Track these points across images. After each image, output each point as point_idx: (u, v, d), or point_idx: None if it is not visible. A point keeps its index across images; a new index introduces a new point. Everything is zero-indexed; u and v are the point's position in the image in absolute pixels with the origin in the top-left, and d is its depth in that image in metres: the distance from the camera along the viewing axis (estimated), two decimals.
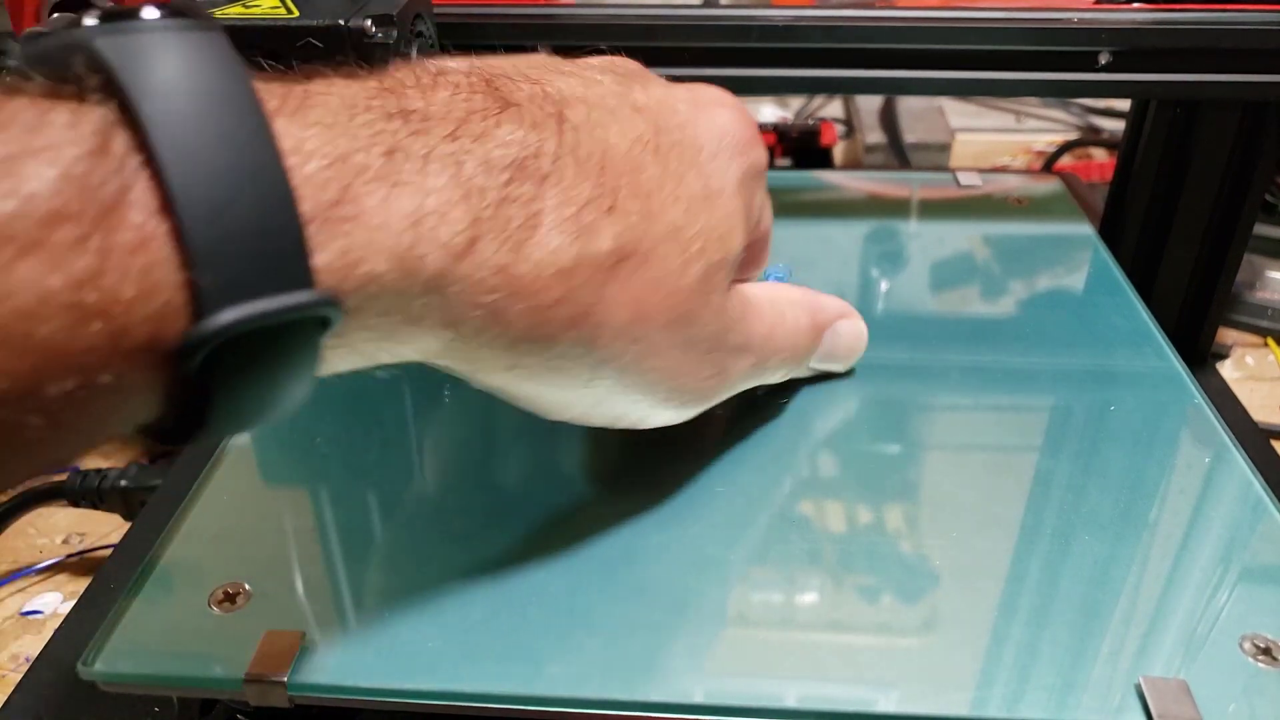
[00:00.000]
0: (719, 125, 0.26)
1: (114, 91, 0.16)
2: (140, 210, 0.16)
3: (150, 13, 0.17)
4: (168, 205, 0.16)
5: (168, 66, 0.16)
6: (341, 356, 0.21)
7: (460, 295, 0.21)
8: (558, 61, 0.27)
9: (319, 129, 0.18)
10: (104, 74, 0.16)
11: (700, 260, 0.25)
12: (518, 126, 0.22)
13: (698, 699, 0.23)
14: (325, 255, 0.18)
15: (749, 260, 0.29)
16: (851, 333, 0.33)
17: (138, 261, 0.15)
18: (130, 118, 0.16)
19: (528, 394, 0.25)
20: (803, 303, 0.32)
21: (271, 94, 0.18)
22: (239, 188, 0.16)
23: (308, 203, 0.17)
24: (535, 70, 0.25)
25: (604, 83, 0.26)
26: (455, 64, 0.24)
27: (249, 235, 0.16)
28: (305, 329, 0.18)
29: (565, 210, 0.22)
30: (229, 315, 0.16)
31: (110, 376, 0.16)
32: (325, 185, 0.18)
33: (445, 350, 0.22)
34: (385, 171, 0.19)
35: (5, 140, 0.15)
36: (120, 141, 0.16)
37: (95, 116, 0.16)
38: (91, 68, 0.16)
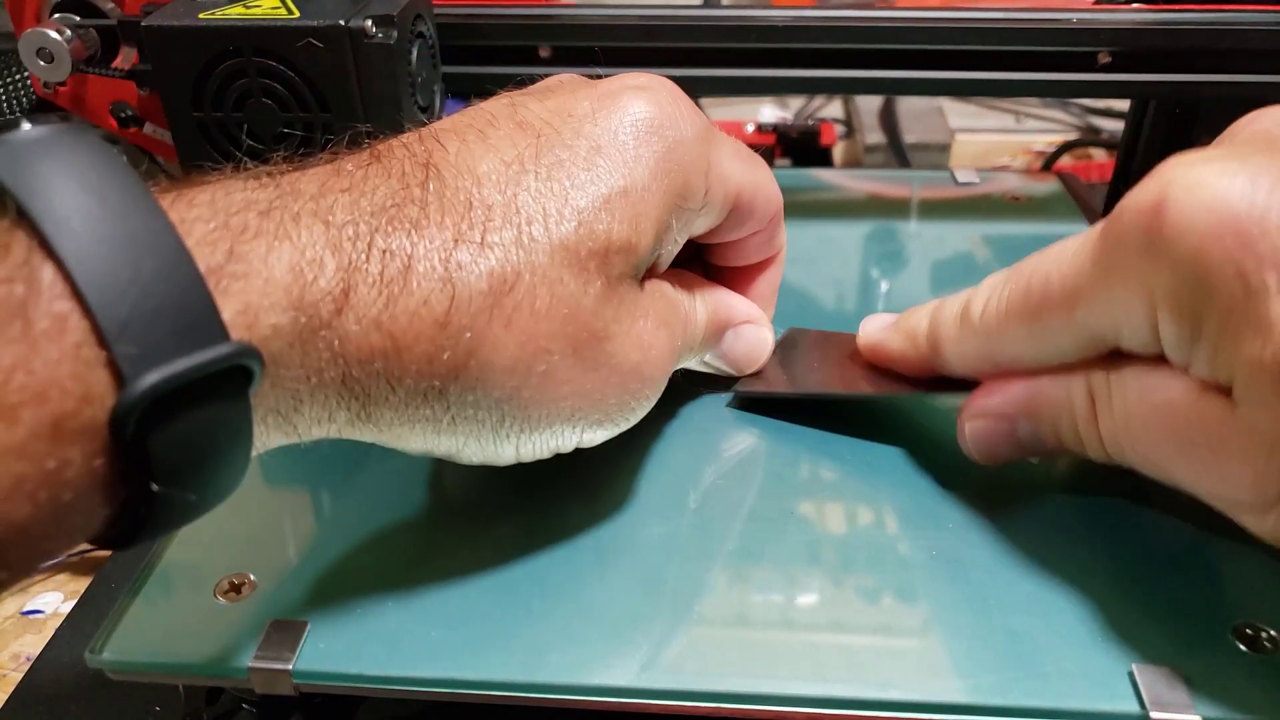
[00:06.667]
0: (628, 115, 0.25)
1: (4, 196, 0.17)
2: (50, 297, 0.17)
3: (26, 126, 0.19)
4: (73, 287, 0.17)
5: (51, 165, 0.18)
6: (270, 426, 0.21)
7: (349, 349, 0.21)
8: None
9: (200, 207, 0.20)
10: None
11: (600, 275, 0.24)
12: (385, 178, 0.23)
13: (698, 686, 0.23)
14: (229, 311, 0.19)
15: (742, 219, 0.29)
16: (753, 339, 0.32)
17: (57, 345, 0.16)
18: (24, 217, 0.17)
19: (451, 448, 0.24)
20: (706, 296, 0.30)
21: (154, 189, 0.19)
22: (137, 259, 0.17)
23: (201, 264, 0.18)
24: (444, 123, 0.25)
25: (489, 106, 0.26)
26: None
27: (158, 301, 0.17)
28: (230, 384, 0.19)
29: (433, 258, 0.22)
30: (152, 377, 0.17)
31: (54, 462, 0.16)
32: (214, 247, 0.19)
33: (356, 417, 0.22)
34: (263, 229, 0.20)
35: None
36: (20, 239, 0.17)
37: None
38: None
